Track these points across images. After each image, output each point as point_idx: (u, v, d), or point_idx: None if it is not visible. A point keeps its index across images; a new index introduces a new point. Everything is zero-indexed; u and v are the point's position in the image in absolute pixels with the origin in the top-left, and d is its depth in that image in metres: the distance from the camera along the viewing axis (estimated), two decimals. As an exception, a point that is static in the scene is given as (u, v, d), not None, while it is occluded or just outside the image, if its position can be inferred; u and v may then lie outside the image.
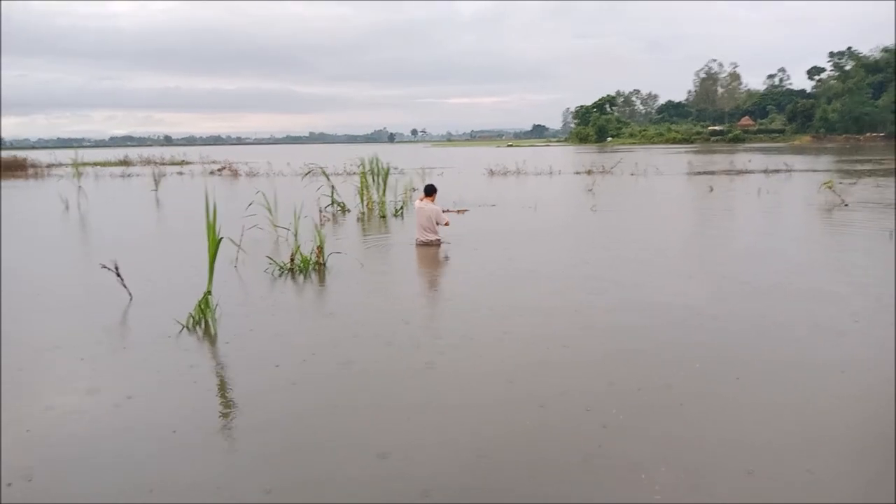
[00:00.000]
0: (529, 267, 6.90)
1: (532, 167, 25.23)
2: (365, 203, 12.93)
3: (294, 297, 5.96)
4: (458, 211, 9.47)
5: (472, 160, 39.13)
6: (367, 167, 13.11)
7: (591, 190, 16.52)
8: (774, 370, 3.92)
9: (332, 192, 12.74)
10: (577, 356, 4.22)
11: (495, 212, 12.47)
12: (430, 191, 8.62)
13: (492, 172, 24.41)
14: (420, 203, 8.59)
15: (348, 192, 13.92)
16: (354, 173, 21.15)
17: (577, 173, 24.00)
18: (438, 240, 8.32)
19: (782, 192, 15.18)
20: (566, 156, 46.60)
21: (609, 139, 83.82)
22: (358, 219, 11.60)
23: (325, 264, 7.03)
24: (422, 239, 8.36)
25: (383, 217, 11.71)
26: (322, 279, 6.68)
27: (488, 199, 14.27)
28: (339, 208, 12.71)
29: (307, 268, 6.91)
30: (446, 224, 8.38)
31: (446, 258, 7.68)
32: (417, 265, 7.49)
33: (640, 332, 4.71)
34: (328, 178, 13.20)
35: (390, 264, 7.67)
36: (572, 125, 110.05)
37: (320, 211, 11.33)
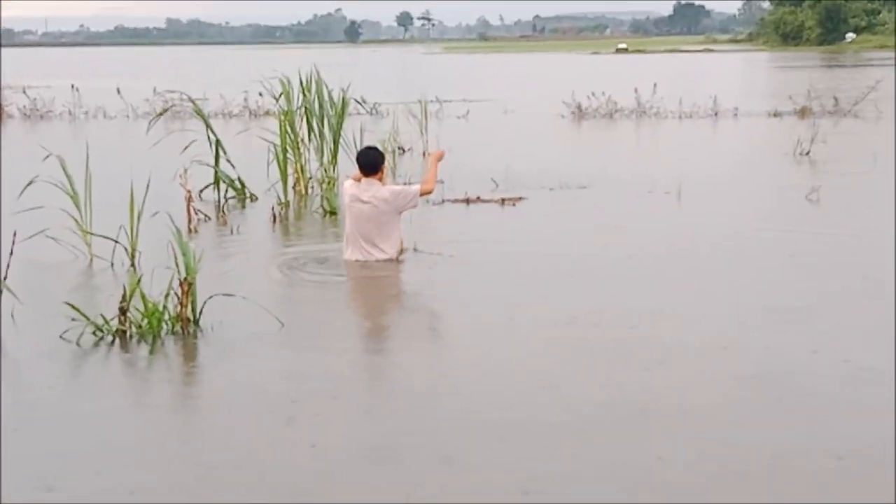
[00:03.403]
0: (658, 353, 6.90)
1: (673, 100, 25.10)
2: (290, 181, 13.05)
3: (125, 417, 5.95)
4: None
5: (537, 83, 39.21)
6: (296, 99, 13.30)
7: (806, 153, 16.55)
8: None
9: (218, 157, 12.96)
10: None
11: (585, 200, 12.55)
12: (372, 163, 9.23)
13: (579, 111, 24.67)
14: (353, 186, 9.24)
15: (254, 157, 14.04)
16: (268, 113, 21.27)
17: (775, 115, 23.96)
18: (394, 257, 9.25)
19: None
20: (751, 73, 46.47)
21: (850, 37, 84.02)
22: (275, 216, 11.75)
23: (198, 321, 7.15)
24: (357, 256, 9.22)
25: (330, 213, 11.86)
26: (190, 358, 6.78)
27: (570, 173, 14.36)
28: (232, 193, 12.91)
29: (158, 330, 7.01)
30: (425, 193, 9.46)
31: (458, 308, 7.92)
32: (397, 326, 7.70)
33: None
34: (208, 126, 13.31)
35: (341, 322, 7.76)
36: (764, 7, 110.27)
37: (190, 200, 11.37)
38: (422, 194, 9.30)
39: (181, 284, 7.12)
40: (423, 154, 16.76)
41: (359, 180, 9.25)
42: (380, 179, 9.24)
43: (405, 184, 10.82)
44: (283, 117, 13.21)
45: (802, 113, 23.54)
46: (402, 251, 9.30)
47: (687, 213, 11.93)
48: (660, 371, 6.30)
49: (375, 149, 9.53)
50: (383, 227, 9.08)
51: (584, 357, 6.63)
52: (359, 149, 10.08)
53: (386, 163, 9.54)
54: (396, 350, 7.25)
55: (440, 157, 9.71)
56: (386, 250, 9.10)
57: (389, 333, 7.67)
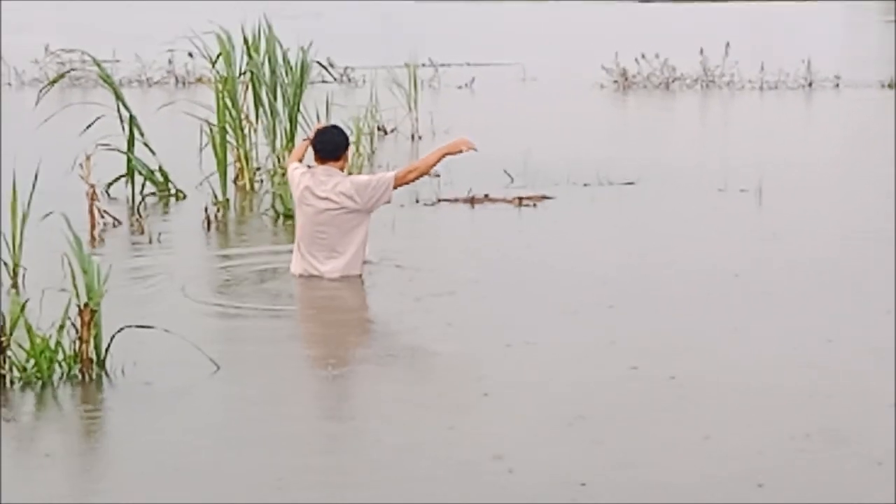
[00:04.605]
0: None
1: (752, 65, 25.35)
2: (231, 173, 13.14)
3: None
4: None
5: (567, 41, 39.14)
6: (239, 61, 13.49)
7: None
8: None
9: (132, 140, 13.03)
10: None
11: (632, 200, 12.75)
12: (333, 143, 9.38)
13: (625, 79, 24.90)
14: (306, 175, 9.32)
15: (182, 140, 14.15)
16: (201, 80, 21.19)
17: (891, 86, 24.01)
18: (358, 273, 9.40)
19: None
20: (858, 29, 46.41)
21: None
22: (209, 220, 11.83)
23: (103, 363, 7.14)
24: (310, 270, 9.37)
25: (285, 216, 11.93)
26: (92, 413, 6.73)
27: (612, 164, 14.50)
28: (151, 189, 12.99)
29: (49, 375, 6.98)
30: (402, 184, 9.46)
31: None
32: (372, 371, 7.56)
33: None
34: (119, 97, 13.37)
35: (297, 364, 7.74)
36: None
37: (94, 197, 11.33)
38: (397, 185, 9.26)
39: (81, 313, 7.08)
40: (413, 137, 16.76)
41: (315, 163, 9.31)
42: (342, 168, 9.30)
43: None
44: (220, 86, 13.25)
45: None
46: (363, 265, 9.35)
47: (770, 217, 11.97)
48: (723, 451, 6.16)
49: (336, 127, 9.63)
50: (347, 233, 9.12)
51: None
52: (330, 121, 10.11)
53: (351, 147, 9.58)
54: (369, 408, 7.01)
55: (458, 149, 9.53)
56: (347, 264, 9.14)
57: (360, 380, 7.49)
